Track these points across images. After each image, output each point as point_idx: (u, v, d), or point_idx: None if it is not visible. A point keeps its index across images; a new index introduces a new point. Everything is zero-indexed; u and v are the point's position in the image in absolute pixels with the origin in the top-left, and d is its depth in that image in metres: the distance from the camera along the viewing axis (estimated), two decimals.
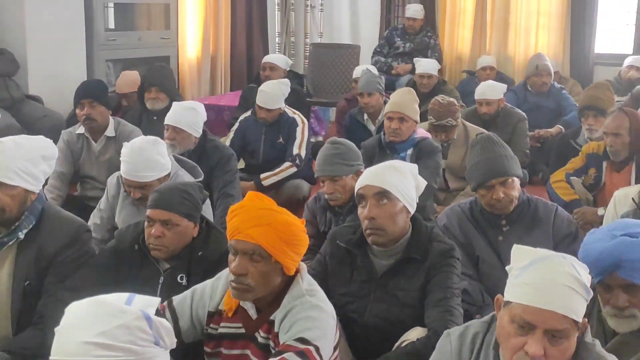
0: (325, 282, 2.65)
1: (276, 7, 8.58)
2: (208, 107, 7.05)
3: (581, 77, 7.58)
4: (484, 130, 5.05)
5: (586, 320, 1.80)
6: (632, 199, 3.22)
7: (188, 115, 4.11)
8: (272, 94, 5.03)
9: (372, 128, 5.51)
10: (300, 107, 5.83)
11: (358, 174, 3.34)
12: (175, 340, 1.57)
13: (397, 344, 2.45)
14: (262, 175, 4.94)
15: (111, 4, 6.27)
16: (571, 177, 4.23)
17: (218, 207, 4.03)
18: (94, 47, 6.10)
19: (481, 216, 3.12)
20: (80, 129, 4.40)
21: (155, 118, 4.95)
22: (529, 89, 6.52)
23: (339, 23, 8.77)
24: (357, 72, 6.03)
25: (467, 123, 5.06)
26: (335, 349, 2.19)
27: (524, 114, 5.69)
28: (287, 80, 5.24)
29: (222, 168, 4.22)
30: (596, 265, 2.04)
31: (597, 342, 1.86)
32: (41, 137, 2.72)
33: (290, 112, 5.18)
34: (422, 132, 4.45)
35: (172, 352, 2.03)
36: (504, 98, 5.65)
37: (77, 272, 2.61)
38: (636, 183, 4.04)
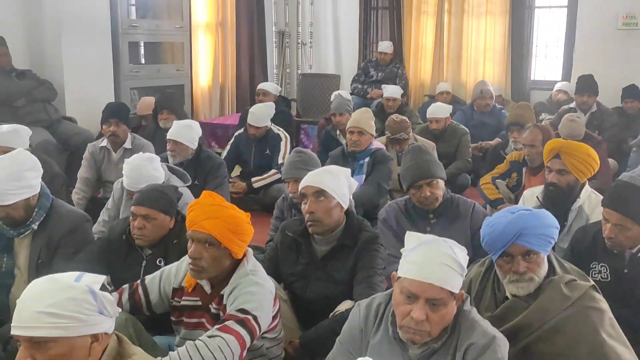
0: (277, 265, 2.68)
1: (274, 44, 8.60)
2: (217, 126, 7.19)
3: (520, 100, 7.51)
4: (433, 144, 5.08)
5: (463, 292, 1.82)
6: (537, 197, 3.24)
7: (185, 131, 4.14)
8: (259, 114, 5.06)
9: (344, 142, 5.51)
10: (287, 126, 5.86)
11: None
12: (119, 309, 1.60)
13: (331, 315, 2.47)
14: (253, 179, 4.99)
15: (135, 43, 6.29)
16: (497, 180, 4.24)
17: None
18: (120, 78, 6.12)
19: (413, 211, 3.13)
20: (103, 142, 4.45)
21: (166, 134, 4.98)
22: (475, 109, 6.52)
23: (325, 57, 8.78)
24: (332, 96, 6.05)
25: (418, 136, 5.08)
26: (274, 318, 2.21)
27: (466, 129, 5.69)
28: (272, 104, 5.28)
29: (213, 174, 4.26)
30: (502, 236, 2.06)
31: (474, 310, 1.88)
32: (19, 151, 2.72)
33: (275, 129, 5.21)
34: (377, 143, 4.47)
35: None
36: (450, 117, 5.66)
37: (78, 255, 2.64)
38: None
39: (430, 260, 1.72)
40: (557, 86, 7.14)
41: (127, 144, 4.49)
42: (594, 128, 6.35)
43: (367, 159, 4.34)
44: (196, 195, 2.68)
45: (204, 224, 2.07)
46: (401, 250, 1.84)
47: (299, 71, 8.53)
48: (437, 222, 3.07)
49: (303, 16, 8.63)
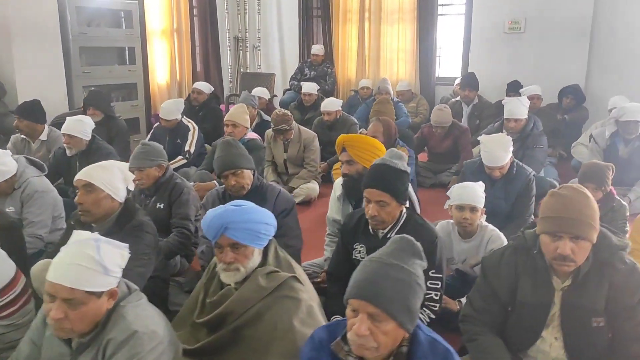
0: None
1: (228, 47, 8.22)
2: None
3: (427, 94, 7.20)
4: (314, 134, 4.76)
5: (116, 288, 1.53)
6: (341, 185, 2.93)
7: (78, 125, 3.84)
8: (169, 109, 4.74)
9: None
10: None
11: (160, 166, 3.08)
12: None
13: None
14: None
15: (87, 47, 5.95)
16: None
17: None
18: (73, 78, 5.81)
19: (228, 196, 2.84)
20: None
21: (95, 127, 4.68)
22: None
23: (272, 58, 8.39)
24: (243, 94, 5.63)
25: (302, 127, 4.75)
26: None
27: (355, 119, 5.35)
28: (181, 100, 4.96)
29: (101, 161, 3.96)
30: (210, 228, 1.81)
31: (132, 304, 1.58)
32: None
33: (186, 121, 4.89)
34: (252, 134, 4.15)
35: None
36: (341, 109, 5.31)
37: None
38: None
39: (62, 262, 1.44)
40: (457, 82, 6.77)
41: (44, 136, 4.24)
42: (475, 118, 6.00)
43: None
44: None
45: None
46: None
47: (246, 70, 8.15)
48: None
49: (254, 23, 8.24)
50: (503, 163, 3.22)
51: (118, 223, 2.23)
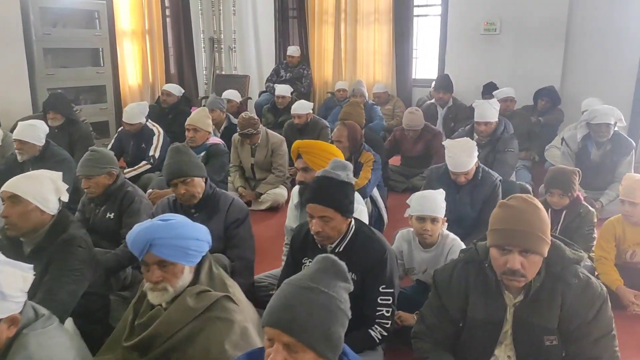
0: None
1: (202, 49, 8.05)
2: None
3: (404, 96, 7.12)
4: (282, 137, 4.64)
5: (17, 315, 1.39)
6: (298, 192, 2.81)
7: (30, 130, 3.68)
8: (132, 113, 4.60)
9: (218, 134, 5.08)
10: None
11: (110, 174, 2.94)
12: None
13: None
14: (125, 170, 4.52)
15: (52, 48, 5.77)
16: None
17: None
18: (36, 80, 5.62)
19: (179, 205, 2.71)
20: None
21: (56, 131, 4.53)
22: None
23: (249, 59, 8.26)
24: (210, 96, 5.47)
25: (269, 131, 4.63)
26: None
27: (326, 123, 5.24)
28: (145, 103, 4.77)
29: (55, 169, 3.75)
30: (135, 243, 1.67)
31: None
32: None
33: (150, 125, 4.74)
34: (214, 139, 4.02)
35: None
36: (311, 113, 5.20)
37: None
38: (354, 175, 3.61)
39: None
40: (434, 84, 6.65)
41: None
42: (450, 120, 5.91)
43: (202, 154, 3.90)
44: None
45: None
46: None
47: (221, 72, 8.00)
48: (198, 215, 2.65)
49: (229, 24, 8.09)
50: (468, 168, 3.12)
51: (49, 237, 2.09)
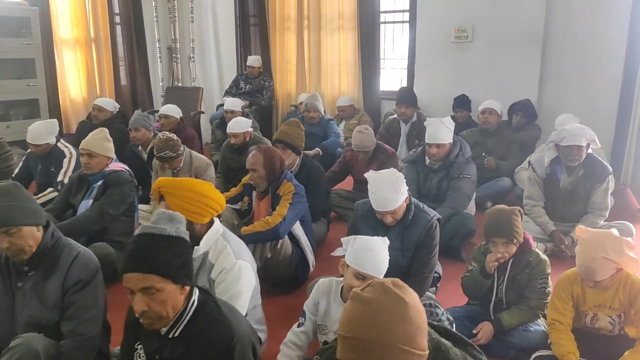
0: None
1: (158, 59, 7.51)
2: None
3: (372, 109, 6.57)
4: (209, 161, 4.09)
5: None
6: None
7: None
8: (37, 132, 4.03)
9: (145, 156, 4.52)
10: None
11: None
12: None
13: None
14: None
15: None
16: (227, 205, 3.22)
17: None
18: None
19: (11, 262, 2.12)
20: None
21: None
22: (305, 120, 5.50)
23: (209, 70, 7.73)
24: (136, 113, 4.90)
25: (194, 153, 4.08)
26: None
27: (268, 141, 4.68)
28: (54, 121, 4.20)
29: None
30: None
31: None
32: None
33: (62, 146, 4.18)
34: (116, 165, 3.42)
35: None
36: (251, 131, 4.62)
37: None
38: (272, 210, 3.05)
39: None
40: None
41: None
42: (414, 137, 5.35)
43: (99, 182, 3.33)
44: None
45: None
46: None
47: (178, 84, 7.46)
48: (33, 274, 2.07)
49: (187, 32, 7.56)
50: (394, 207, 2.56)
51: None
